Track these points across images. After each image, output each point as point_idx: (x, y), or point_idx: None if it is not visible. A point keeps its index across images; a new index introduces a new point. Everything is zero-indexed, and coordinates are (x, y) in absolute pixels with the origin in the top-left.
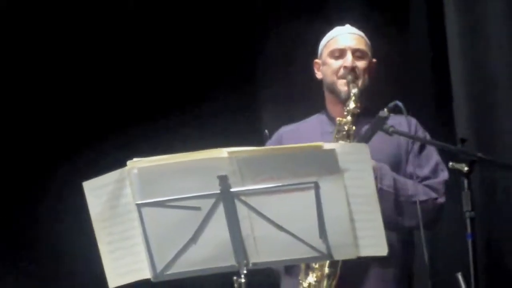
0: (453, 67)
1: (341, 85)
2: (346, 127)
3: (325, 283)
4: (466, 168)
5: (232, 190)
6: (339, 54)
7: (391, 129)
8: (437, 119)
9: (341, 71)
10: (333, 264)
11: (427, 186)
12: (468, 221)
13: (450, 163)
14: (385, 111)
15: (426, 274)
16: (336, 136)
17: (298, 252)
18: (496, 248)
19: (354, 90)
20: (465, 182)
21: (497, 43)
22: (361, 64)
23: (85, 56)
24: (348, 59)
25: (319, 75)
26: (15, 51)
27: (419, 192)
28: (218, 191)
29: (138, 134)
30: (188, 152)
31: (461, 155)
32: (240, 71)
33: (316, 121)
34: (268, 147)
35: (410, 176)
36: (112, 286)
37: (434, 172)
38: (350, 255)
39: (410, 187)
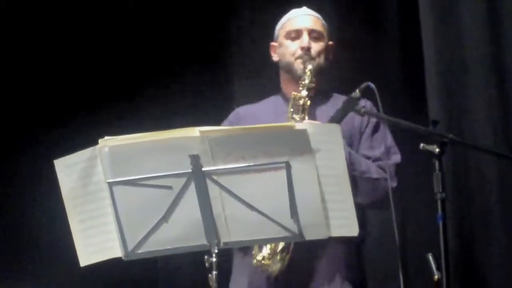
0: (425, 48)
1: (298, 64)
2: (301, 102)
3: (278, 256)
4: (437, 150)
5: (203, 169)
6: (296, 35)
7: (362, 110)
8: (409, 101)
9: (298, 52)
10: None
11: (379, 167)
12: (439, 203)
13: (422, 145)
14: (357, 92)
15: (396, 255)
16: (291, 110)
17: (269, 231)
18: (467, 229)
19: (310, 66)
20: (436, 163)
21: (470, 25)
22: (316, 45)
23: (55, 34)
24: (304, 40)
25: (275, 57)
26: None
27: (372, 171)
28: (190, 170)
29: (110, 111)
30: (160, 130)
31: (432, 137)
32: (211, 48)
33: (271, 102)
34: (239, 127)
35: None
36: (83, 264)
37: (386, 154)
38: (321, 235)
39: (364, 163)
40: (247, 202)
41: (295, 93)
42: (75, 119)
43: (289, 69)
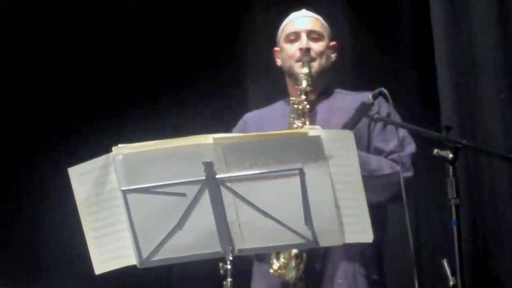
0: (437, 54)
1: (298, 68)
2: (300, 106)
3: (293, 263)
4: (451, 155)
5: (217, 176)
6: (295, 37)
7: (375, 116)
8: (422, 106)
9: (297, 54)
10: None
11: (393, 160)
12: (453, 208)
13: (435, 150)
14: (369, 97)
15: (411, 261)
16: (292, 116)
17: (284, 238)
18: (481, 234)
19: (305, 70)
20: (450, 169)
21: (481, 30)
22: (317, 46)
23: (67, 41)
24: (303, 41)
25: (279, 62)
26: None
27: (383, 167)
28: (203, 178)
29: (123, 119)
30: (173, 138)
31: (446, 143)
32: (225, 55)
33: (279, 106)
34: (253, 133)
35: (376, 151)
36: (98, 273)
37: (401, 146)
38: (335, 242)
39: (373, 161)
40: (261, 209)
41: (293, 98)
42: (88, 127)
43: (291, 73)
